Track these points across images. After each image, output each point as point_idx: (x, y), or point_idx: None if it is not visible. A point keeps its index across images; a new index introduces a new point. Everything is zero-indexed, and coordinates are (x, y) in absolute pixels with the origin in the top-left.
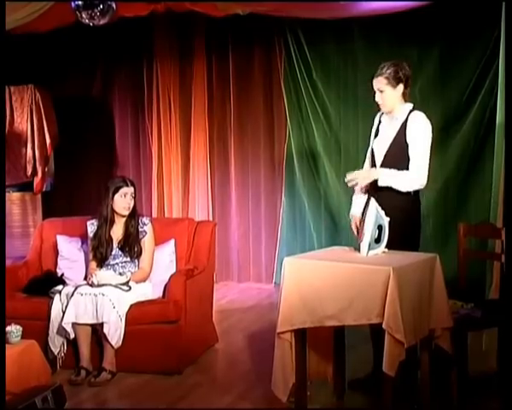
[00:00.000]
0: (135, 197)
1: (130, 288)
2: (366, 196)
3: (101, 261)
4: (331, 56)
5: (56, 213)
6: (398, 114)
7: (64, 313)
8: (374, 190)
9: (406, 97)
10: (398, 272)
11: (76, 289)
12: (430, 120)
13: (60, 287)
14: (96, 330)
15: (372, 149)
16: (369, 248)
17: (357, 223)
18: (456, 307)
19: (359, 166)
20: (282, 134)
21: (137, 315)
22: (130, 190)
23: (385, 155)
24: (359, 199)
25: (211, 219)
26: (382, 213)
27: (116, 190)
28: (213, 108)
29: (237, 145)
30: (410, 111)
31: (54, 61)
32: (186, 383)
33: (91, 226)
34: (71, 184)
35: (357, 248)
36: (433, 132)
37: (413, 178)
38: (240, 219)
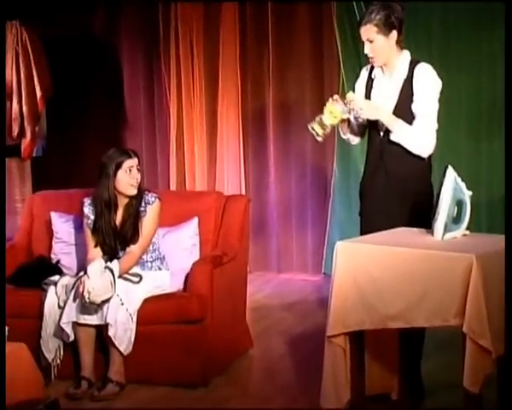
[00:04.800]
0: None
1: (141, 278)
2: (345, 112)
3: (112, 257)
4: None
5: (50, 185)
6: (397, 66)
7: (62, 309)
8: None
9: (401, 44)
10: (484, 261)
11: (78, 280)
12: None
13: (55, 277)
14: (101, 332)
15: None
16: (446, 230)
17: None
18: None
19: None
20: (335, 85)
21: (152, 313)
22: (135, 161)
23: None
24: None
25: (243, 193)
26: (463, 185)
27: (118, 166)
28: (247, 53)
29: (276, 101)
30: (412, 62)
31: None
32: (212, 397)
33: (88, 209)
34: (67, 149)
35: (431, 230)
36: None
37: (429, 141)
38: (280, 194)
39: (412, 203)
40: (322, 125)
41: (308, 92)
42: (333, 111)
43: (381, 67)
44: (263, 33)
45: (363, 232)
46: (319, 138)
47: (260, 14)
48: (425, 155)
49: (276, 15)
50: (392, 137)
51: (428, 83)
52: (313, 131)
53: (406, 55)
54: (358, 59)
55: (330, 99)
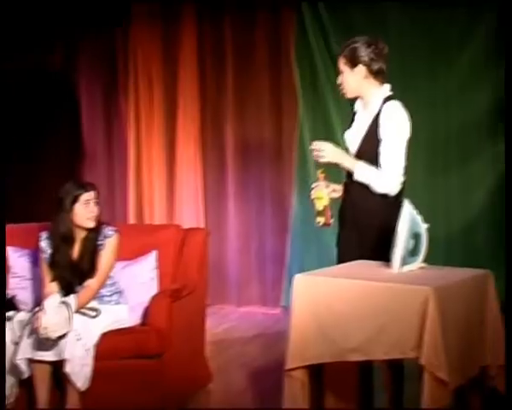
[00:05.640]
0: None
1: (98, 313)
2: (328, 188)
3: (69, 292)
4: (355, 22)
5: (6, 219)
6: (371, 101)
7: (17, 345)
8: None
9: (380, 79)
10: (440, 293)
11: (34, 315)
12: (477, 101)
13: (11, 313)
14: (58, 369)
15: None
16: (403, 263)
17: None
18: None
19: None
20: (293, 119)
21: (109, 348)
22: (93, 194)
23: (357, 151)
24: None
25: (202, 226)
26: (419, 218)
27: (76, 199)
28: (206, 86)
29: (236, 133)
30: (386, 99)
31: None
32: None
33: (45, 243)
34: (24, 181)
35: (389, 263)
36: (480, 116)
37: (394, 181)
38: (239, 227)
39: (376, 238)
40: (319, 213)
41: (267, 125)
42: (318, 196)
43: (361, 100)
44: (222, 66)
45: (338, 263)
46: (331, 221)
47: (219, 47)
48: (391, 194)
49: (235, 48)
50: (356, 178)
51: (393, 121)
52: (322, 225)
53: (384, 91)
54: (316, 92)
55: (312, 190)
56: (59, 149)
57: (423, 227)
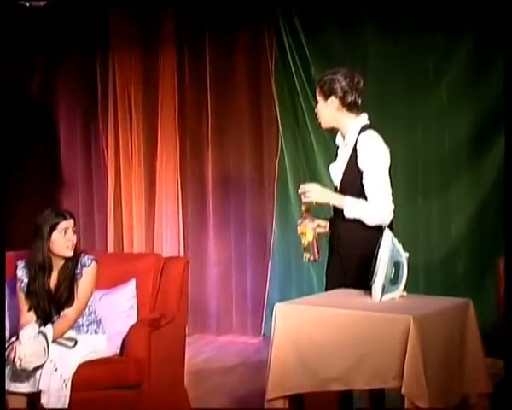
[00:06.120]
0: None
1: (76, 343)
2: (313, 222)
3: (46, 321)
4: (334, 47)
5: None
6: (348, 132)
7: None
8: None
9: (355, 111)
10: (421, 322)
11: (9, 345)
12: (456, 127)
13: None
14: (34, 400)
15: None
16: (384, 292)
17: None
18: (496, 367)
19: None
20: (273, 146)
21: (87, 379)
22: (71, 222)
23: (340, 184)
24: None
25: (182, 254)
26: (399, 246)
27: (53, 227)
28: (185, 113)
29: (216, 161)
30: (362, 129)
31: None
32: None
33: (22, 272)
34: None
35: (369, 292)
36: (460, 142)
37: (379, 211)
38: (219, 254)
39: (359, 266)
40: (306, 249)
41: (247, 152)
42: (303, 231)
43: (340, 132)
44: (202, 93)
45: (326, 291)
46: (318, 256)
47: (199, 73)
48: (385, 223)
49: (214, 75)
50: (347, 215)
51: (371, 151)
52: (308, 260)
53: (361, 121)
54: (296, 119)
55: (298, 226)
56: (36, 176)
57: (404, 256)
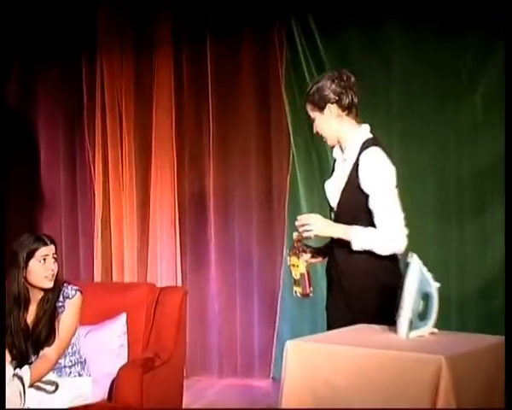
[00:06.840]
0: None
1: (57, 387)
2: (305, 253)
3: (23, 362)
4: (353, 51)
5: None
6: (349, 146)
7: None
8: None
9: (355, 114)
10: (455, 364)
11: None
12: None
13: None
14: None
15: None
16: (411, 328)
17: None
18: None
19: None
20: (284, 160)
21: None
22: (51, 249)
23: (338, 204)
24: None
25: (180, 284)
26: (429, 276)
27: (31, 255)
28: (184, 124)
29: (218, 177)
30: (364, 144)
31: None
32: None
33: None
34: None
35: (394, 327)
36: (497, 157)
37: (392, 239)
38: (222, 286)
39: (365, 300)
40: (296, 282)
41: (254, 165)
42: (294, 263)
43: (340, 146)
44: (202, 99)
45: (328, 327)
46: (310, 291)
47: (199, 76)
48: (400, 251)
49: (216, 78)
50: (356, 248)
51: (376, 173)
52: (299, 295)
53: (363, 133)
54: (309, 129)
55: (288, 257)
56: (13, 195)
57: (434, 286)
